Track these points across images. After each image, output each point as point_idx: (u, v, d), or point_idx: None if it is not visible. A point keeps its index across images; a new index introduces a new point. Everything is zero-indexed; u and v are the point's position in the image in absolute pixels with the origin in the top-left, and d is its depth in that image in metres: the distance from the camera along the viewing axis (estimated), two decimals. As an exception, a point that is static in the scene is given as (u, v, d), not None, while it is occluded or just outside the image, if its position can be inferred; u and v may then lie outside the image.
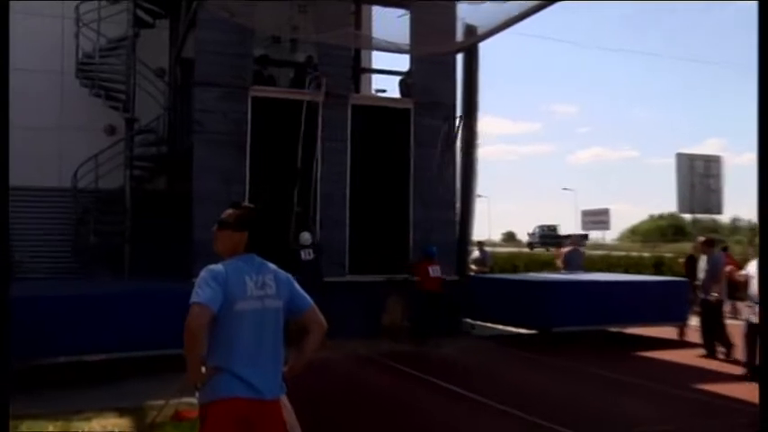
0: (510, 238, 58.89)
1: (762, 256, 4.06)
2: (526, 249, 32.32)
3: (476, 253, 13.77)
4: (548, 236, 38.94)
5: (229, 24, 10.22)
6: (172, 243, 11.36)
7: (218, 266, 3.26)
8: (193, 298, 3.11)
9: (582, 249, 14.81)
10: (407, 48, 11.23)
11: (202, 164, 10.31)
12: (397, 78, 12.45)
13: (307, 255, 10.08)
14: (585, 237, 32.86)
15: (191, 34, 11.44)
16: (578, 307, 10.26)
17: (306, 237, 10.23)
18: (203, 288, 3.14)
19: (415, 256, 10.96)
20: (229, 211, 3.43)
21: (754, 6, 3.89)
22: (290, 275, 3.42)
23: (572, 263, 13.05)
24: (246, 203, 3.49)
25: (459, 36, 11.23)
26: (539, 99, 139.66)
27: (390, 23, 10.91)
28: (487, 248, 15.74)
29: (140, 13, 13.26)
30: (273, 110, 10.79)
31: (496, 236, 60.02)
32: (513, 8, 10.03)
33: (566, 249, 13.66)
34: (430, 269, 10.44)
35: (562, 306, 10.24)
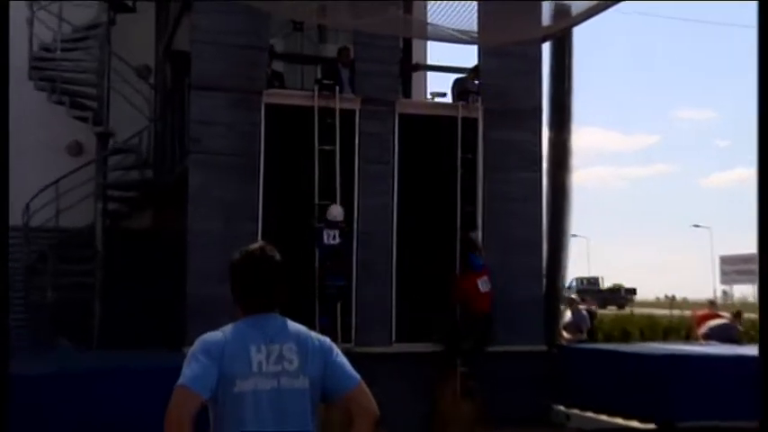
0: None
1: (762, 259, 4.64)
2: (641, 309, 31.85)
3: (568, 314, 13.61)
4: (587, 290, 40.45)
5: (236, 6, 10.43)
6: (158, 299, 11.47)
7: (216, 333, 3.24)
8: (179, 379, 3.12)
9: (739, 326, 14.39)
10: (474, 36, 11.29)
11: (200, 194, 10.44)
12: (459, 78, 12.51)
13: (330, 238, 10.04)
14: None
15: (184, 20, 11.70)
16: (716, 393, 10.00)
17: (337, 211, 10.27)
18: (191, 365, 3.14)
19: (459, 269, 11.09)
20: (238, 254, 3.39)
21: None
22: (328, 341, 3.34)
23: (719, 336, 12.90)
24: (262, 243, 3.44)
25: (546, 19, 11.26)
26: (657, 102, 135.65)
27: (452, 5, 10.98)
28: (584, 307, 15.55)
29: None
30: (295, 121, 10.93)
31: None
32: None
33: (715, 322, 13.50)
34: (479, 283, 10.65)
35: (693, 390, 10.01)
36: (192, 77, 10.73)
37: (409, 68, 13.76)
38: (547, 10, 11.23)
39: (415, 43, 14.21)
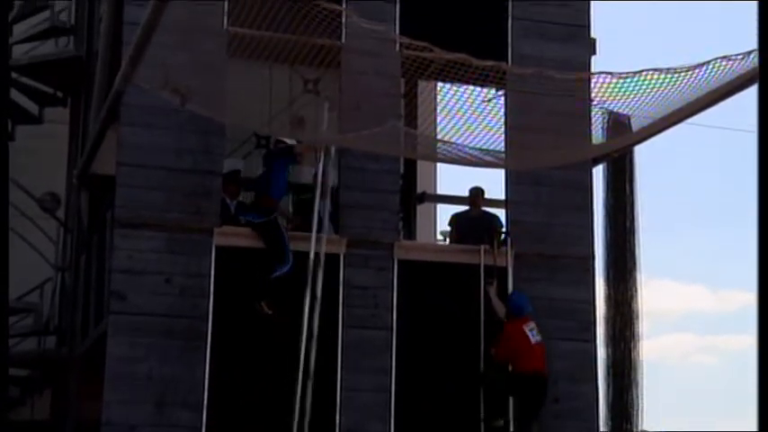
0: None
1: (761, 258, 5.67)
2: None
3: None
4: None
5: (178, 117, 10.59)
6: None
7: None
8: None
9: None
10: (501, 156, 11.36)
11: (122, 370, 10.30)
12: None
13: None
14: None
15: (109, 134, 11.78)
16: None
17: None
18: None
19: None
20: None
21: None
22: None
23: None
24: None
25: (599, 135, 11.36)
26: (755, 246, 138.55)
27: (469, 114, 11.09)
28: None
29: (17, 97, 13.83)
30: (255, 268, 10.86)
31: None
32: (689, 89, 10.24)
33: None
34: (527, 332, 10.89)
35: None
36: (115, 211, 10.76)
37: (413, 200, 13.78)
38: (599, 123, 11.32)
39: (421, 166, 14.31)
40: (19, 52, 14.51)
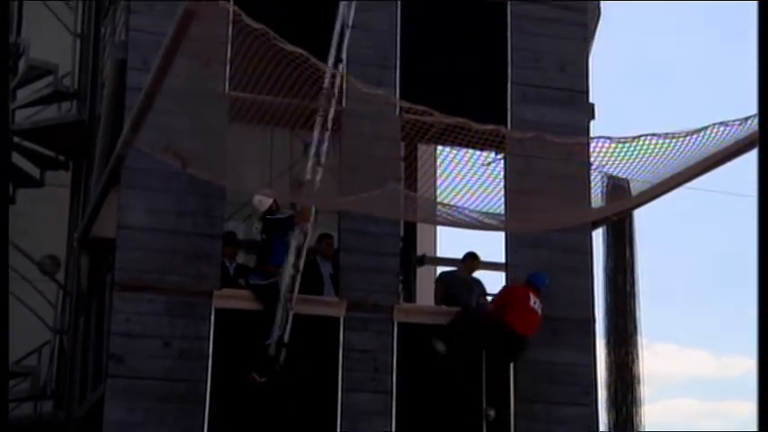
0: None
1: (761, 258, 5.75)
2: None
3: None
4: None
5: (178, 181, 10.63)
6: None
7: None
8: None
9: None
10: (501, 219, 11.37)
11: (120, 436, 10.23)
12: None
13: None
14: None
15: (110, 197, 11.80)
16: None
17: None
18: None
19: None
20: None
21: None
22: None
23: None
24: None
25: (598, 198, 11.38)
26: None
27: (469, 177, 11.11)
28: None
29: (19, 161, 13.85)
30: (257, 334, 10.75)
31: None
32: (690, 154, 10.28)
33: None
34: (532, 297, 11.28)
35: None
36: (115, 274, 10.76)
37: (413, 263, 13.75)
38: (598, 187, 11.35)
39: (421, 229, 14.29)
40: (22, 117, 14.59)
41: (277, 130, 12.10)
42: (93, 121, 13.62)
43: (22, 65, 14.16)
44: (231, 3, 9.36)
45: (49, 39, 14.15)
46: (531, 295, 11.34)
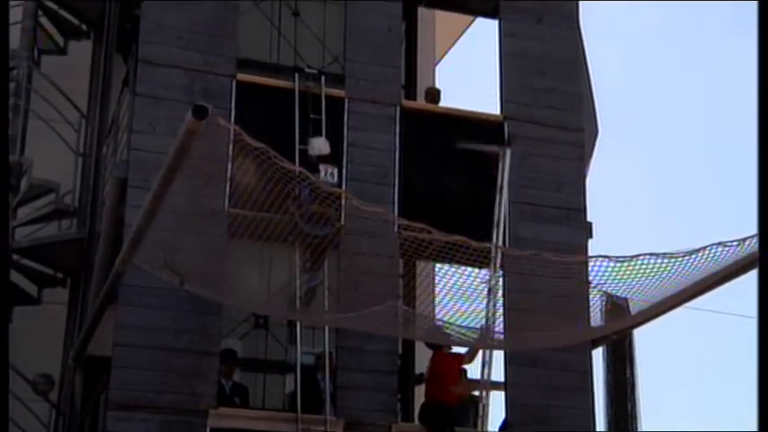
0: None
1: (762, 257, 5.92)
2: None
3: None
4: None
5: (177, 295, 10.65)
6: None
7: None
8: None
9: None
10: (499, 337, 11.33)
11: None
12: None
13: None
14: None
15: (108, 313, 11.78)
16: None
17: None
18: None
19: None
20: None
21: None
22: None
23: None
24: None
25: (597, 316, 11.35)
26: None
27: (467, 295, 11.11)
28: None
29: (17, 279, 13.80)
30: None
31: None
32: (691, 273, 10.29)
33: None
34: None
35: None
36: (110, 393, 10.69)
37: (411, 381, 13.68)
38: (597, 305, 11.33)
39: (419, 346, 14.20)
40: (21, 234, 14.61)
41: (276, 246, 12.15)
42: (92, 238, 13.63)
43: (23, 183, 14.25)
44: (232, 122, 9.51)
45: (51, 157, 14.26)
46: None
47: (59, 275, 14.49)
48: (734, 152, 32.66)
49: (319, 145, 11.47)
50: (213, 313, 11.02)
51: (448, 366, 11.47)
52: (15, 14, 14.44)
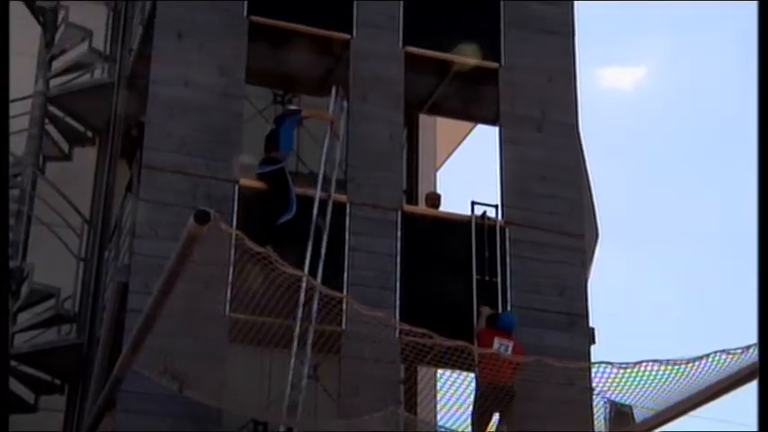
0: None
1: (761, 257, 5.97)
2: None
3: None
4: None
5: (175, 401, 10.53)
6: None
7: None
8: None
9: None
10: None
11: None
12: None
13: None
14: None
15: (106, 420, 11.70)
16: None
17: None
18: None
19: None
20: None
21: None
22: None
23: None
24: None
25: (601, 424, 11.23)
26: None
27: (470, 401, 11.03)
28: None
29: (14, 386, 13.69)
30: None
31: None
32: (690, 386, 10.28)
33: None
34: (497, 342, 11.16)
35: None
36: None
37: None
38: (601, 413, 11.23)
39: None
40: (20, 340, 14.53)
41: (276, 351, 12.10)
42: (91, 344, 13.56)
43: (24, 289, 14.25)
44: (234, 227, 9.56)
45: (53, 261, 14.29)
46: (496, 340, 11.36)
47: (57, 382, 14.37)
48: (735, 254, 32.75)
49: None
50: (212, 420, 10.87)
51: None
52: (22, 122, 14.71)
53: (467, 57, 13.44)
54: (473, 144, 18.04)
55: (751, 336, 9.02)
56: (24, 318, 14.43)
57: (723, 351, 9.62)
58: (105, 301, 12.92)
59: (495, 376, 11.13)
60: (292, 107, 12.30)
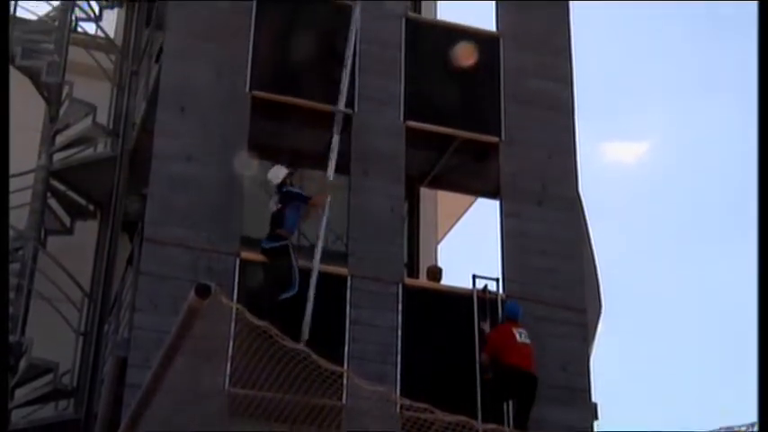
0: None
1: (761, 256, 6.28)
2: None
3: None
4: None
5: None
6: None
7: None
8: None
9: None
10: None
11: None
12: None
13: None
14: None
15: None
16: None
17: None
18: None
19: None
20: None
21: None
22: None
23: None
24: None
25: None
26: None
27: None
28: None
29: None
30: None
31: None
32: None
33: None
34: (515, 332, 11.62)
35: None
36: None
37: None
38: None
39: None
40: (18, 416, 14.41)
41: (276, 426, 12.01)
42: (88, 419, 13.46)
43: (23, 364, 14.16)
44: (234, 300, 9.53)
45: (52, 335, 14.22)
46: (513, 330, 11.70)
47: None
48: (737, 333, 32.63)
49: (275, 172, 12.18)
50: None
51: None
52: (24, 196, 14.77)
53: (467, 57, 13.56)
54: (474, 217, 18.07)
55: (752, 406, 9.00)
56: (22, 393, 14.34)
57: (728, 428, 9.60)
58: (104, 376, 12.83)
59: (522, 361, 11.54)
60: (296, 189, 12.37)
